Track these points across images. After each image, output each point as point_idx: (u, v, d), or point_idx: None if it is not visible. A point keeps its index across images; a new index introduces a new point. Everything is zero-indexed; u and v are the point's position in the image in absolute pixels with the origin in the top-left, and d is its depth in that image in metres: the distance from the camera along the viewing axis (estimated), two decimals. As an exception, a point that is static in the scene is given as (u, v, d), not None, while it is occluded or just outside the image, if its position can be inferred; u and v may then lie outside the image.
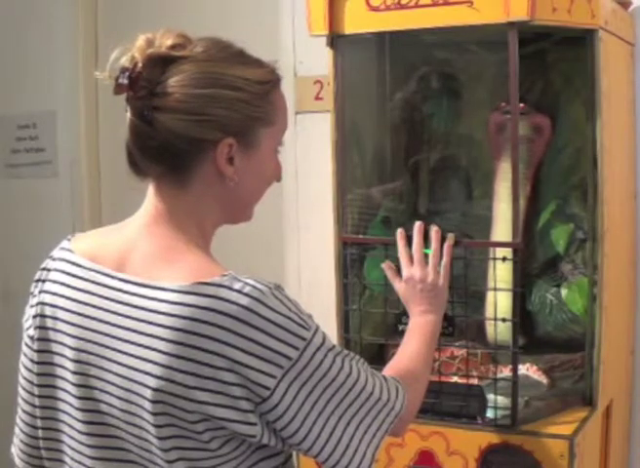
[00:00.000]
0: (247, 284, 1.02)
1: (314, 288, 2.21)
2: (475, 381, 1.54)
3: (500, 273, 1.52)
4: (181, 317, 1.00)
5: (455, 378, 1.58)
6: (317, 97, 2.16)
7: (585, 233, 1.65)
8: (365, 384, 1.09)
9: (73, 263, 1.13)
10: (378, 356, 1.75)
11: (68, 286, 1.11)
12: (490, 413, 1.50)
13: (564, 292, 1.69)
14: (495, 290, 1.54)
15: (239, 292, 1.01)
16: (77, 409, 1.08)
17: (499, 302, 1.53)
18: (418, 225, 1.45)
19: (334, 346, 1.08)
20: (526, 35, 1.46)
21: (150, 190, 1.16)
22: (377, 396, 1.10)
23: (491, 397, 1.52)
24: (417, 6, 1.49)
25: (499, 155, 1.67)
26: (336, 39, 1.58)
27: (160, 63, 1.07)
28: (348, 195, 1.65)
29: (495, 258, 1.53)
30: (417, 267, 1.42)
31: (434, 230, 1.44)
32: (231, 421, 1.00)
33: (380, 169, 1.84)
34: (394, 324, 1.55)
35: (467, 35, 1.53)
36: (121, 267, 1.08)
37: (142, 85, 1.07)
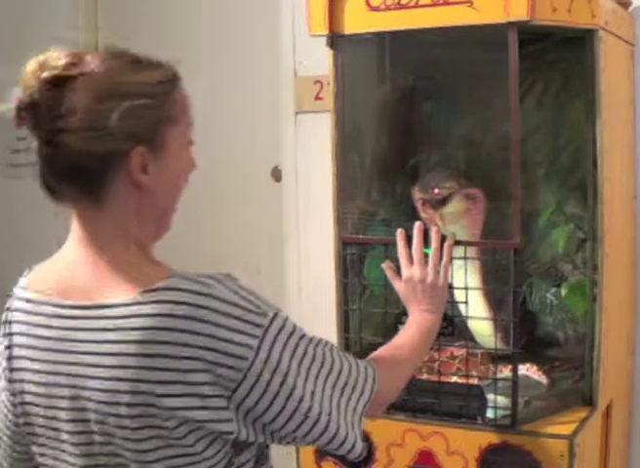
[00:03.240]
0: (195, 281, 1.02)
1: (314, 288, 2.21)
2: (475, 381, 1.54)
3: (465, 273, 1.53)
4: (136, 329, 0.99)
5: (455, 378, 1.58)
6: (317, 97, 2.16)
7: (585, 233, 1.65)
8: (332, 365, 1.10)
9: (27, 300, 1.11)
10: (378, 356, 1.75)
11: (28, 323, 1.10)
12: (490, 413, 1.50)
13: (564, 292, 1.69)
14: (494, 289, 1.54)
15: (188, 291, 1.01)
16: (72, 443, 1.07)
17: (472, 302, 1.54)
18: (417, 225, 1.45)
19: (295, 329, 1.07)
20: (526, 35, 1.46)
21: (73, 215, 1.12)
22: (346, 374, 1.12)
23: (491, 397, 1.52)
24: (417, 6, 1.49)
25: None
26: (336, 39, 1.58)
27: (56, 85, 1.06)
28: (348, 195, 1.65)
29: (495, 258, 1.53)
30: (416, 267, 1.42)
31: (434, 230, 1.44)
32: (207, 421, 1.00)
33: (380, 169, 1.84)
34: (394, 324, 1.55)
35: (467, 35, 1.53)
36: (67, 295, 1.07)
37: (42, 112, 1.05)
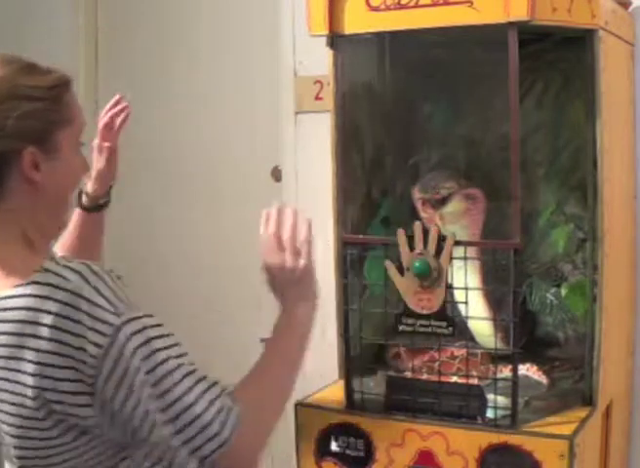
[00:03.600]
0: (58, 275, 1.09)
1: (314, 288, 2.20)
2: (475, 381, 1.54)
3: (464, 273, 1.53)
4: (5, 321, 1.08)
5: (455, 378, 1.58)
6: (317, 97, 2.16)
7: (585, 233, 1.65)
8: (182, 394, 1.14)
9: None
10: (377, 356, 1.75)
11: None
12: (490, 413, 1.50)
13: (564, 291, 1.69)
14: (494, 289, 1.54)
15: (50, 285, 1.08)
16: None
17: (472, 302, 1.54)
18: (275, 209, 1.33)
19: (153, 339, 1.12)
20: (526, 35, 1.46)
21: None
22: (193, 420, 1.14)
23: (491, 397, 1.52)
24: (417, 6, 1.49)
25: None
26: (336, 39, 1.58)
27: None
28: (348, 195, 1.65)
29: (495, 258, 1.53)
30: (274, 254, 1.33)
31: (288, 210, 1.34)
32: (68, 405, 1.06)
33: (380, 169, 1.84)
34: (394, 324, 1.55)
35: (467, 35, 1.53)
36: None
37: None
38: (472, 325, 1.62)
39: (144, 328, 1.12)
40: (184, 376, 1.17)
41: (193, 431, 1.14)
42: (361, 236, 1.68)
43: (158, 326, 1.16)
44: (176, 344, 1.19)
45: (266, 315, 2.62)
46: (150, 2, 2.67)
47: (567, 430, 1.46)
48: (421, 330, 1.52)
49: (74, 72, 2.83)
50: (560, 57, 1.72)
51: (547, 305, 1.72)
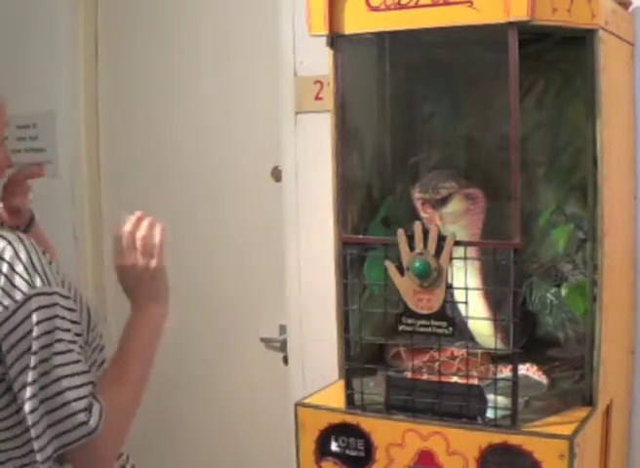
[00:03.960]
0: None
1: (314, 288, 2.21)
2: (475, 381, 1.54)
3: (466, 273, 1.53)
4: None
5: (455, 378, 1.58)
6: (317, 97, 2.16)
7: (585, 233, 1.65)
8: (50, 380, 1.20)
9: None
10: (377, 356, 1.75)
11: None
12: (490, 413, 1.50)
13: (564, 291, 1.69)
14: (494, 289, 1.54)
15: None
16: None
17: (472, 303, 1.54)
18: (134, 216, 1.41)
19: (55, 320, 1.21)
20: (526, 35, 1.46)
21: None
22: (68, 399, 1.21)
23: (491, 397, 1.52)
24: (417, 6, 1.49)
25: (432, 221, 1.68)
26: (336, 39, 1.58)
27: None
28: (348, 195, 1.65)
29: (495, 259, 1.53)
30: (127, 252, 1.37)
31: (136, 215, 1.40)
32: None
33: (380, 169, 1.84)
34: (394, 324, 1.55)
35: (467, 35, 1.53)
36: None
37: None
38: (472, 325, 1.62)
39: (53, 304, 1.20)
40: (70, 363, 1.23)
41: (62, 414, 1.20)
42: (361, 236, 1.68)
43: (68, 309, 1.24)
44: (75, 323, 1.27)
45: (267, 315, 2.64)
46: (150, 2, 2.67)
47: (567, 430, 1.46)
48: (421, 330, 1.52)
49: (74, 72, 2.85)
50: (560, 57, 1.72)
51: (547, 305, 1.72)
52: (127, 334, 1.37)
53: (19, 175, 1.61)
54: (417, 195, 1.70)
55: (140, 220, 1.39)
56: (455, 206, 1.66)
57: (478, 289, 1.60)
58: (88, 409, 1.22)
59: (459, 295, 1.54)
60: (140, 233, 1.37)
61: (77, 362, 1.24)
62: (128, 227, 1.38)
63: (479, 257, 1.57)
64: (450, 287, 1.51)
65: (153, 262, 1.36)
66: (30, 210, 1.65)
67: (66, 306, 1.24)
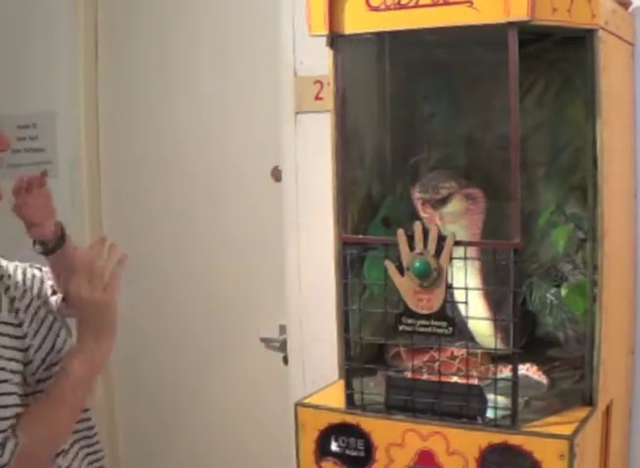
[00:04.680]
0: None
1: (314, 288, 2.21)
2: (475, 381, 1.54)
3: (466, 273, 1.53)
4: None
5: (455, 378, 1.58)
6: (317, 97, 2.16)
7: (585, 233, 1.65)
8: None
9: None
10: (377, 356, 1.75)
11: None
12: (490, 413, 1.50)
13: (564, 292, 1.69)
14: (494, 289, 1.54)
15: None
16: None
17: (473, 303, 1.54)
18: (97, 240, 1.32)
19: None
20: (526, 35, 1.46)
21: None
22: None
23: (491, 397, 1.52)
24: (417, 6, 1.49)
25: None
26: (336, 39, 1.57)
27: None
28: (348, 195, 1.65)
29: (495, 259, 1.53)
30: (78, 277, 1.29)
31: (113, 245, 1.31)
32: None
33: (380, 169, 1.84)
34: (394, 324, 1.55)
35: (467, 35, 1.53)
36: None
37: None
38: (472, 325, 1.62)
39: None
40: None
41: None
42: (361, 236, 1.68)
43: (16, 337, 1.24)
44: (20, 351, 1.26)
45: (267, 315, 2.63)
46: (150, 2, 2.67)
47: (567, 430, 1.46)
48: (421, 330, 1.52)
49: (74, 72, 2.85)
50: (560, 57, 1.72)
51: (547, 305, 1.72)
52: (62, 368, 1.31)
53: (20, 183, 1.59)
54: (417, 195, 1.70)
55: (101, 246, 1.30)
56: (455, 206, 1.66)
57: (478, 288, 1.60)
58: (2, 445, 1.20)
59: (459, 295, 1.54)
60: (100, 260, 1.28)
61: (5, 394, 1.23)
62: (86, 252, 1.29)
63: (479, 257, 1.57)
64: (450, 287, 1.51)
65: (99, 294, 1.26)
66: (58, 225, 1.62)
67: (11, 334, 1.23)
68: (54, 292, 1.56)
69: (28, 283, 1.46)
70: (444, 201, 1.66)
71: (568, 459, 1.41)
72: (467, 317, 1.55)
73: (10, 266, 1.47)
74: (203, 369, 2.64)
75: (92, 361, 1.28)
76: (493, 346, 1.59)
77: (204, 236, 2.61)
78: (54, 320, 1.42)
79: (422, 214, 1.68)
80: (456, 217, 1.66)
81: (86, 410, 1.45)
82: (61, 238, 1.60)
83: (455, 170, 1.76)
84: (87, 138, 2.76)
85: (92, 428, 1.50)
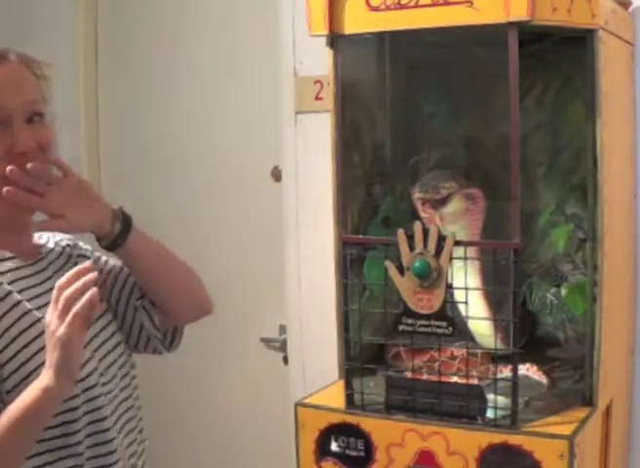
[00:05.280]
0: None
1: (314, 288, 2.21)
2: (475, 381, 1.54)
3: (468, 273, 1.53)
4: None
5: (455, 378, 1.58)
6: (317, 97, 2.16)
7: (585, 233, 1.65)
8: None
9: None
10: (377, 356, 1.75)
11: None
12: (490, 413, 1.50)
13: (564, 292, 1.69)
14: (494, 289, 1.54)
15: None
16: None
17: (472, 303, 1.54)
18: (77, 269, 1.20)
19: None
20: (526, 35, 1.46)
21: None
22: None
23: (491, 397, 1.52)
24: (417, 6, 1.49)
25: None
26: (336, 39, 1.57)
27: None
28: (348, 195, 1.65)
29: (495, 259, 1.53)
30: (51, 307, 1.19)
31: (91, 275, 1.19)
32: None
33: (380, 169, 1.84)
34: (394, 324, 1.55)
35: (467, 35, 1.53)
36: None
37: None
38: (472, 325, 1.62)
39: None
40: None
41: None
42: (361, 236, 1.68)
43: None
44: None
45: (267, 315, 2.63)
46: (151, 2, 2.67)
47: (567, 430, 1.46)
48: (421, 330, 1.52)
49: (74, 72, 2.85)
50: (560, 57, 1.72)
51: (547, 305, 1.72)
52: (18, 401, 1.20)
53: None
54: (417, 195, 1.70)
55: (76, 277, 1.19)
56: (455, 206, 1.66)
57: (478, 288, 1.60)
58: None
59: (459, 295, 1.54)
60: (67, 292, 1.17)
61: None
62: (62, 280, 1.19)
63: (479, 257, 1.57)
64: (450, 287, 1.51)
65: (61, 329, 1.16)
66: (107, 220, 1.38)
67: None
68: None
69: None
70: (444, 201, 1.66)
71: (568, 459, 1.41)
72: (467, 317, 1.55)
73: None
74: (203, 368, 2.64)
75: (40, 398, 1.18)
76: (493, 346, 1.59)
77: (204, 236, 2.61)
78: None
79: (422, 214, 1.68)
80: (456, 217, 1.66)
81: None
82: (119, 235, 1.39)
83: (455, 170, 1.76)
84: (87, 138, 2.76)
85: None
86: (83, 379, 1.32)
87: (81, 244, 1.53)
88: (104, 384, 1.38)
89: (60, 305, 1.16)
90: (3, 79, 1.32)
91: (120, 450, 1.38)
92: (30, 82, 1.37)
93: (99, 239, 1.39)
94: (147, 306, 1.50)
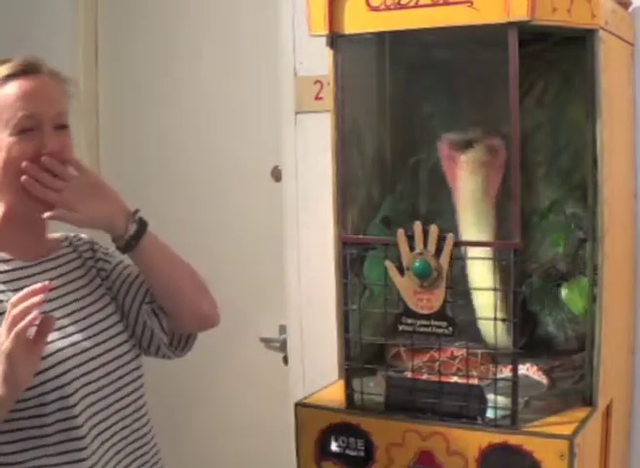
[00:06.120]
0: None
1: (314, 288, 2.21)
2: (475, 381, 1.54)
3: (480, 273, 1.53)
4: None
5: (455, 378, 1.58)
6: (317, 97, 2.16)
7: (585, 233, 1.65)
8: None
9: None
10: (377, 356, 1.75)
11: None
12: (490, 413, 1.50)
13: (564, 292, 1.69)
14: (494, 290, 1.54)
15: None
16: None
17: (482, 302, 1.53)
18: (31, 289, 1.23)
19: None
20: (526, 35, 1.46)
21: None
22: None
23: (491, 397, 1.52)
24: (417, 6, 1.49)
25: (453, 177, 1.67)
26: (336, 39, 1.58)
27: None
28: (348, 195, 1.65)
29: (495, 259, 1.53)
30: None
31: (34, 299, 1.22)
32: None
33: (380, 169, 1.84)
34: (394, 324, 1.55)
35: (467, 35, 1.53)
36: None
37: None
38: (483, 325, 1.61)
39: None
40: None
41: None
42: (361, 236, 1.68)
43: None
44: None
45: (267, 315, 2.63)
46: (151, 3, 2.67)
47: (567, 430, 1.46)
48: (421, 330, 1.52)
49: (74, 72, 2.84)
50: (560, 57, 1.72)
51: (547, 305, 1.72)
52: None
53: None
54: (443, 143, 1.68)
55: (28, 296, 1.22)
56: (477, 153, 1.64)
57: (478, 289, 1.60)
58: None
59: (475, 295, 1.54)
60: (14, 311, 1.21)
61: None
62: (14, 298, 1.23)
63: (493, 257, 1.56)
64: (450, 287, 1.51)
65: (5, 344, 1.20)
66: (121, 222, 1.43)
67: None
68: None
69: None
70: (468, 144, 1.64)
71: (568, 459, 1.42)
72: (467, 317, 1.55)
73: None
74: (203, 368, 2.64)
75: None
76: (504, 345, 1.58)
77: (204, 236, 2.61)
78: None
79: (445, 167, 1.67)
80: (476, 167, 1.64)
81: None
82: (133, 237, 1.43)
83: (480, 118, 1.74)
84: (87, 138, 2.76)
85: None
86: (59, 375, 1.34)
87: (103, 248, 1.56)
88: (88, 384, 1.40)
89: (7, 322, 1.21)
90: (37, 90, 1.40)
91: (92, 449, 1.38)
92: (60, 96, 1.44)
93: (114, 240, 1.44)
94: (157, 310, 1.52)
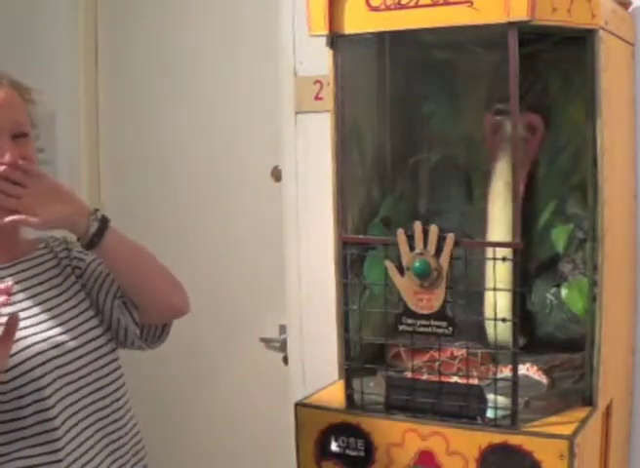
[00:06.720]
0: None
1: (314, 288, 2.21)
2: (475, 381, 1.54)
3: (499, 273, 1.52)
4: None
5: (455, 378, 1.58)
6: (317, 97, 2.16)
7: (585, 233, 1.65)
8: None
9: None
10: (377, 356, 1.75)
11: None
12: (490, 413, 1.50)
13: (564, 292, 1.69)
14: (494, 290, 1.54)
15: None
16: None
17: (498, 302, 1.53)
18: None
19: None
20: (526, 35, 1.46)
21: None
22: None
23: (491, 397, 1.52)
24: (417, 6, 1.49)
25: (495, 156, 1.67)
26: (336, 39, 1.58)
27: None
28: (348, 195, 1.65)
29: (494, 259, 1.53)
30: None
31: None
32: None
33: (380, 169, 1.84)
34: (394, 324, 1.55)
35: (467, 35, 1.53)
36: None
37: None
38: (489, 324, 1.61)
39: None
40: None
41: None
42: (361, 236, 1.68)
43: None
44: None
45: (267, 315, 2.63)
46: (151, 3, 2.67)
47: (567, 430, 1.46)
48: (421, 330, 1.52)
49: (74, 72, 2.84)
50: (560, 57, 1.72)
51: (547, 305, 1.72)
52: None
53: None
54: (490, 114, 1.68)
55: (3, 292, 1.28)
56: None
57: (480, 289, 1.60)
58: None
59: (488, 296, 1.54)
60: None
61: None
62: None
63: (478, 257, 1.57)
64: (450, 287, 1.51)
65: None
66: (83, 221, 1.47)
67: None
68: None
69: None
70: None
71: (568, 459, 1.42)
72: (467, 316, 1.55)
73: None
74: (203, 368, 2.64)
75: None
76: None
77: (204, 236, 2.61)
78: None
79: (489, 140, 1.67)
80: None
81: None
82: (95, 234, 1.47)
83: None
84: (87, 138, 2.76)
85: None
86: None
87: (78, 247, 1.57)
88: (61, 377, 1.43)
89: None
90: None
91: (66, 439, 1.41)
92: (19, 105, 1.48)
93: (78, 239, 1.49)
94: (128, 304, 1.56)
